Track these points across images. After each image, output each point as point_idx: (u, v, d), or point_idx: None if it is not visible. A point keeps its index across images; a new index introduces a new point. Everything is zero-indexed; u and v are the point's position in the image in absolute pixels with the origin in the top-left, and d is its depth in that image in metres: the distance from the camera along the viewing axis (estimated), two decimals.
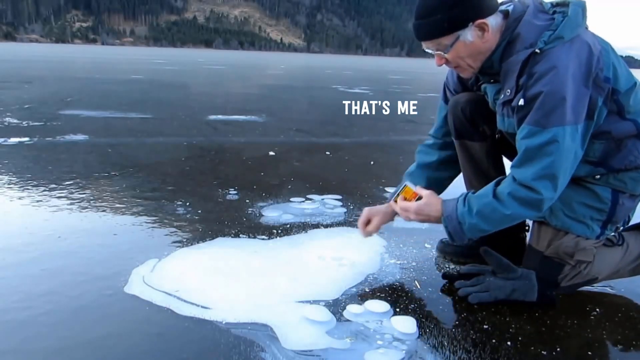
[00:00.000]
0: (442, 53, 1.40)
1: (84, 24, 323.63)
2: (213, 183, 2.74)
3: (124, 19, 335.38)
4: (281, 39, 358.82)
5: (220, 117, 5.62)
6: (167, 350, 1.20)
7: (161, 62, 23.88)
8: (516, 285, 1.46)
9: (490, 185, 1.41)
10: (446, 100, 1.73)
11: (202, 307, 1.38)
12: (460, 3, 1.32)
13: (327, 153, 3.77)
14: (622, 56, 1.42)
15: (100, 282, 1.53)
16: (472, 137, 1.64)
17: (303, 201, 2.42)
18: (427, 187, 1.68)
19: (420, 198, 1.51)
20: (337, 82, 13.45)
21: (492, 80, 1.49)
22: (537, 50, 1.30)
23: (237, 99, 8.31)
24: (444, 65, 1.45)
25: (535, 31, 1.33)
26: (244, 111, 6.21)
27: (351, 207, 2.37)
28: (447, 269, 1.72)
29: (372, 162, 3.49)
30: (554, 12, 1.36)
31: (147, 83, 10.56)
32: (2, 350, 1.18)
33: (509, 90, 1.36)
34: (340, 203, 2.42)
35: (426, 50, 1.43)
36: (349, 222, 2.16)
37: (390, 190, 2.70)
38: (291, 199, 2.44)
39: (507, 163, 1.73)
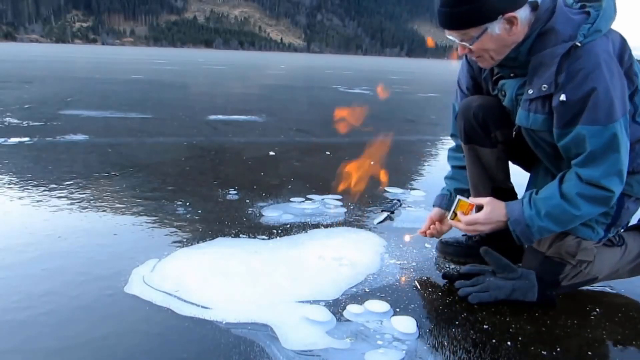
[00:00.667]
0: (467, 44, 1.36)
1: (84, 24, 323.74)
2: (213, 183, 2.74)
3: (124, 19, 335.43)
4: (281, 39, 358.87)
5: (220, 117, 5.62)
6: (168, 350, 1.20)
7: (161, 62, 23.88)
8: (516, 285, 1.46)
9: (554, 184, 1.38)
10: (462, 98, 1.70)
11: (202, 307, 1.39)
12: None
13: (327, 153, 3.77)
14: None
15: (100, 282, 1.53)
16: (483, 142, 1.61)
17: (303, 201, 2.42)
18: (466, 184, 1.71)
19: (480, 208, 1.47)
20: (338, 82, 13.45)
21: (512, 75, 1.44)
22: (578, 44, 1.26)
23: (237, 99, 8.31)
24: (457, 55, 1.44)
25: (571, 24, 1.29)
26: (244, 111, 6.21)
27: (351, 207, 2.37)
28: (447, 268, 1.72)
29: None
30: (583, 7, 1.34)
31: (147, 83, 10.56)
32: (2, 350, 1.18)
33: (545, 86, 1.31)
34: (341, 203, 2.42)
35: (448, 37, 1.39)
36: (349, 222, 2.16)
37: (391, 190, 2.71)
38: (291, 199, 2.44)
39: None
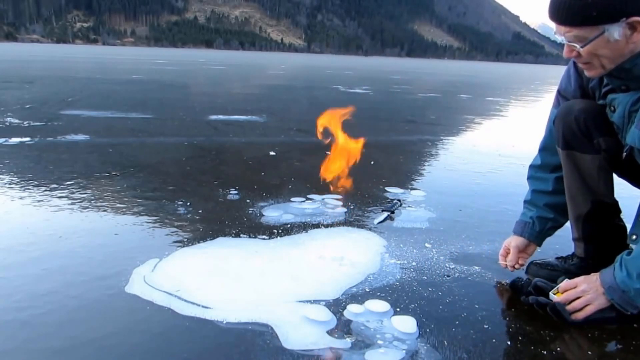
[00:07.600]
0: (576, 45, 1.21)
1: (85, 24, 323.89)
2: (214, 183, 2.75)
3: (125, 19, 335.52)
4: (282, 39, 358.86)
5: (220, 117, 5.63)
6: (168, 350, 1.20)
7: (162, 62, 23.89)
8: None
9: None
10: None
11: (203, 306, 1.39)
12: None
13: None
14: None
15: (101, 282, 1.53)
16: (584, 149, 1.46)
17: (303, 201, 2.43)
18: (549, 213, 1.59)
19: None
20: (338, 82, 13.45)
21: (623, 87, 1.29)
22: None
23: (237, 99, 8.32)
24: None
25: None
26: (244, 111, 6.22)
27: (351, 207, 2.37)
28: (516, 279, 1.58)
29: (372, 162, 3.49)
30: None
31: (148, 83, 10.56)
32: (4, 350, 1.18)
33: None
34: (341, 203, 2.42)
35: (555, 34, 1.24)
36: (349, 222, 2.16)
37: (391, 190, 2.71)
38: (292, 199, 2.45)
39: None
